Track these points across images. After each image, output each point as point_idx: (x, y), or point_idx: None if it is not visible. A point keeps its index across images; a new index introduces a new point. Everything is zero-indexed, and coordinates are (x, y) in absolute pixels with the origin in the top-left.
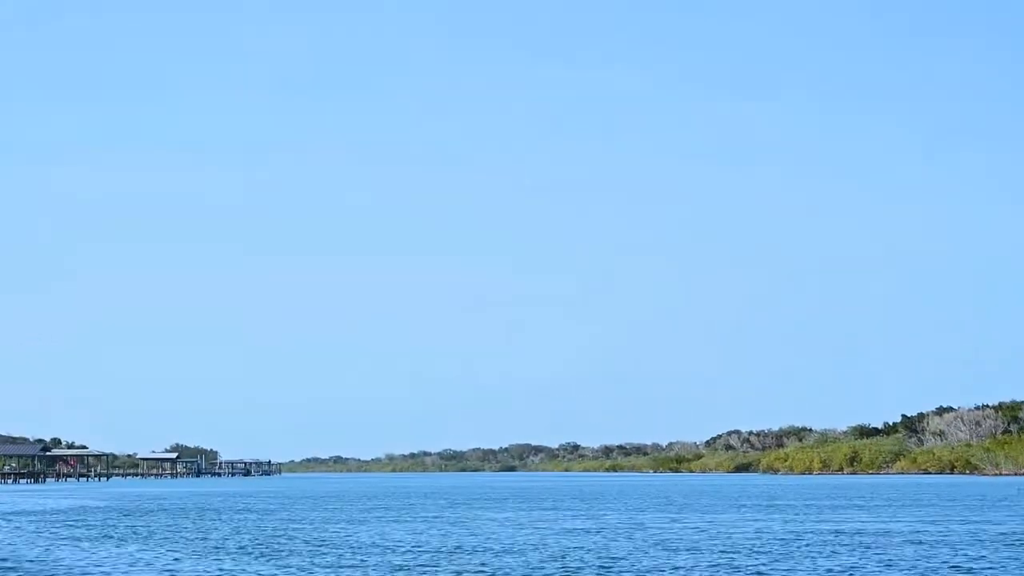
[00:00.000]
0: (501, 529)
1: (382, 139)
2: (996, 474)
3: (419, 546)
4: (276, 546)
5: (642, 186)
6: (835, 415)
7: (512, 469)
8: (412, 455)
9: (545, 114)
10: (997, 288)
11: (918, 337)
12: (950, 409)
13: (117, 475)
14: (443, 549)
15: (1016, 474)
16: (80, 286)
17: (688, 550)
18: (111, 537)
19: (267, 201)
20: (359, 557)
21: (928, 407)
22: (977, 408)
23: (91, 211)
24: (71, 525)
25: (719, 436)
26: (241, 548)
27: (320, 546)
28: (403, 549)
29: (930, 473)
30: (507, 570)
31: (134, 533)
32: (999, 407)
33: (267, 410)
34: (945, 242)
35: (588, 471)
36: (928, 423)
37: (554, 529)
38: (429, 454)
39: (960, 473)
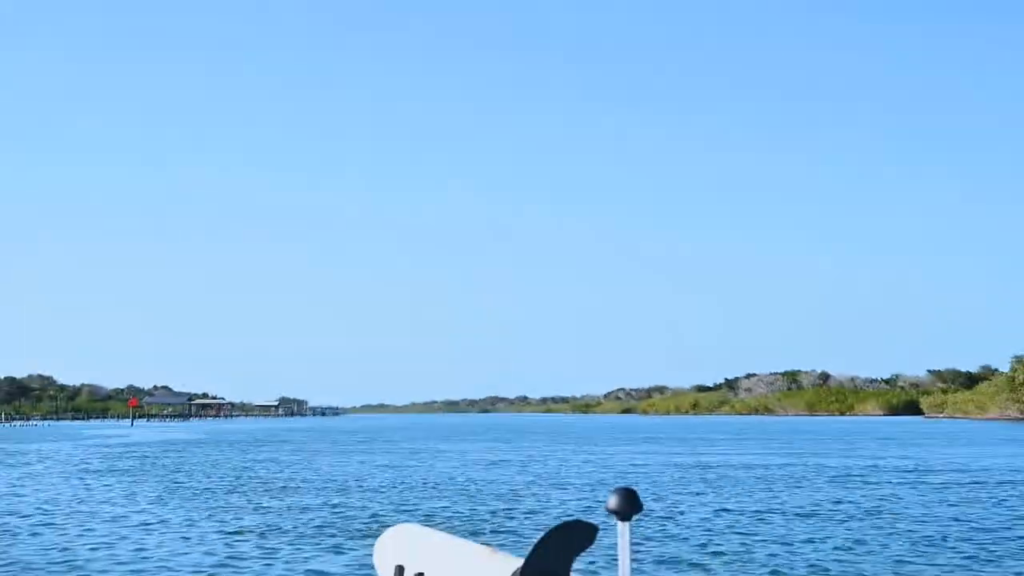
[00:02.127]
0: (441, 462)
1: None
2: (784, 414)
3: (360, 479)
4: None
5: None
6: (682, 377)
7: (486, 412)
8: (426, 403)
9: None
10: (783, 278)
11: (734, 324)
12: (754, 375)
13: (241, 415)
14: (381, 481)
15: (796, 415)
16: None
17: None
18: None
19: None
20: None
21: (740, 373)
22: (771, 374)
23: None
24: (129, 451)
25: (612, 391)
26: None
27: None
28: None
29: (743, 414)
30: (405, 503)
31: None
32: (785, 373)
33: (339, 368)
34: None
35: (532, 412)
36: (741, 384)
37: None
38: (436, 402)
39: (761, 414)
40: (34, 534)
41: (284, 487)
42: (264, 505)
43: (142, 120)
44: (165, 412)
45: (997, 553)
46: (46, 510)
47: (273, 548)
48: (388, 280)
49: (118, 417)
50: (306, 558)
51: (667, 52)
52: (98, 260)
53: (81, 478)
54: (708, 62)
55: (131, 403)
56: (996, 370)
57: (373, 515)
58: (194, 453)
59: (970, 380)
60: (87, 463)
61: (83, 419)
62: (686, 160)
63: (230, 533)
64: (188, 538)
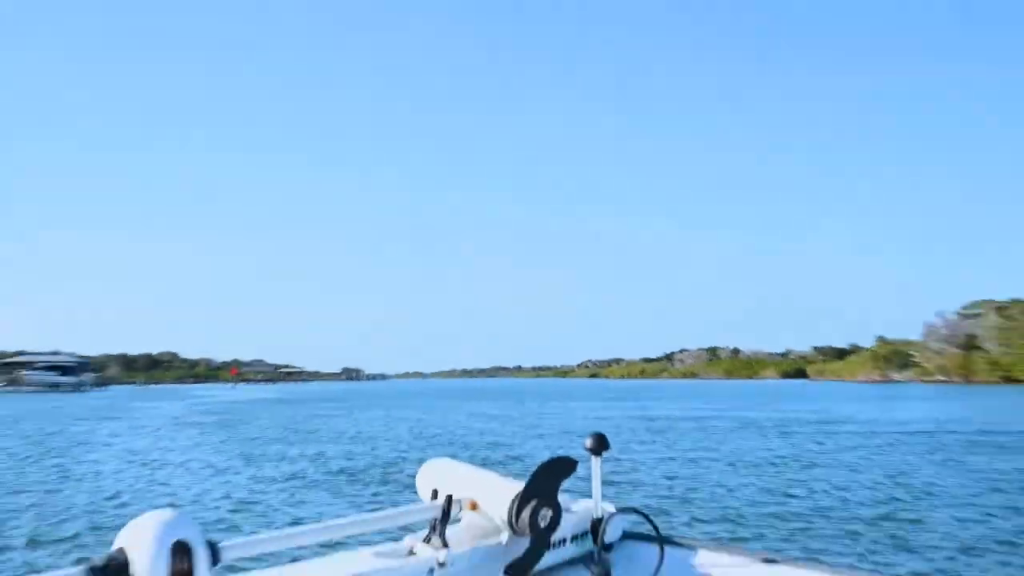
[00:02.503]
0: (462, 416)
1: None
2: (708, 378)
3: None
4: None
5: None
6: (633, 350)
7: (491, 377)
8: (448, 371)
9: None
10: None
11: (667, 304)
12: (686, 349)
13: (314, 380)
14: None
15: (717, 379)
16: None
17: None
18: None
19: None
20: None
21: (675, 348)
22: (698, 349)
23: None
24: (226, 407)
25: (583, 361)
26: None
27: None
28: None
29: (677, 378)
30: (406, 448)
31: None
32: (709, 349)
33: (385, 342)
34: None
35: (525, 377)
36: (676, 356)
37: (482, 416)
38: (456, 370)
39: (690, 379)
40: (97, 473)
41: (348, 433)
42: (334, 449)
43: (141, 120)
44: (259, 378)
45: (895, 495)
46: (123, 456)
47: (341, 480)
48: (411, 272)
49: (225, 382)
50: (366, 484)
51: (667, 52)
52: (212, 258)
53: (172, 428)
54: (708, 62)
55: (232, 372)
56: (861, 347)
57: (417, 452)
58: (278, 408)
59: (841, 353)
60: (185, 417)
61: (202, 382)
62: (686, 160)
63: (310, 473)
64: (252, 478)
